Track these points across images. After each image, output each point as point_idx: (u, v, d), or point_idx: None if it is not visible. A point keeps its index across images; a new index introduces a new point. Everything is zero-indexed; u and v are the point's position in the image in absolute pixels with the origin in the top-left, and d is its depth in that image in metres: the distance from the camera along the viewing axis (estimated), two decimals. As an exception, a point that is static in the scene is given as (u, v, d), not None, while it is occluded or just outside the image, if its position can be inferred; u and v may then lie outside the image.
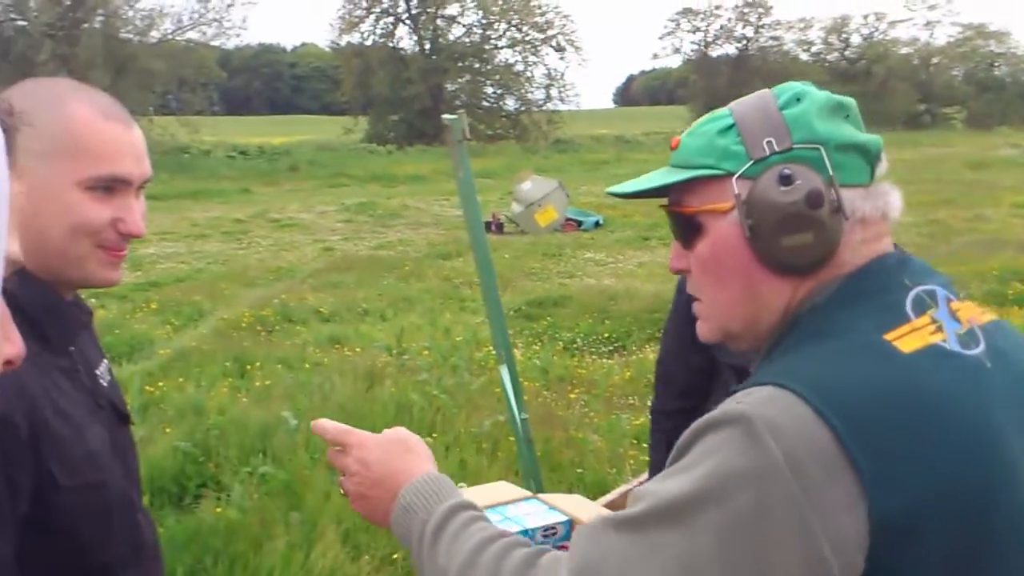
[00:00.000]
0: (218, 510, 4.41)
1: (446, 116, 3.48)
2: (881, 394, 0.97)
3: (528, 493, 2.49)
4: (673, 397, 2.59)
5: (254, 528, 4.26)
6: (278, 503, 4.56)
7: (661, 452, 2.58)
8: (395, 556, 4.15)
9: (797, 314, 1.11)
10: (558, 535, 2.28)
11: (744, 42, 57.80)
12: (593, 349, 8.51)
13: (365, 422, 5.59)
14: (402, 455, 1.32)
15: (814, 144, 1.08)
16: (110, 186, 1.39)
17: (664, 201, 1.20)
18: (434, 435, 5.57)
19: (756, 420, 0.94)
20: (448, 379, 6.78)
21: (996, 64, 63.68)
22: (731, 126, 1.11)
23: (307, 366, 7.41)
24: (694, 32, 58.64)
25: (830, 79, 49.35)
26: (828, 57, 61.15)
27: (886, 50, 60.46)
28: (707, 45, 58.47)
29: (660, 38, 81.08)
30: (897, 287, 1.08)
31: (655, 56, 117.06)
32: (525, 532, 2.21)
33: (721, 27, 57.86)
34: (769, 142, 1.08)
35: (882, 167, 1.13)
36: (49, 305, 1.43)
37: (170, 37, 38.05)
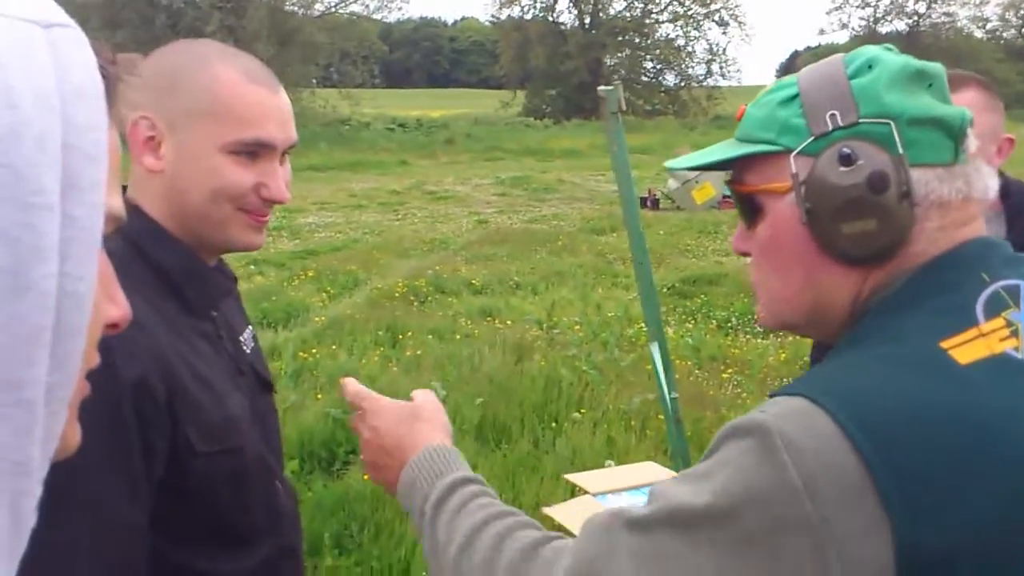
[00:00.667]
0: (366, 478, 4.42)
1: (602, 88, 3.36)
2: (921, 413, 0.84)
3: (674, 474, 2.37)
4: None
5: (400, 497, 4.25)
6: (425, 473, 4.55)
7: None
8: (539, 533, 4.07)
9: (866, 308, 0.99)
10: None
11: (915, 18, 55.33)
12: (748, 329, 8.22)
13: (513, 395, 5.55)
14: (412, 423, 1.27)
15: (884, 118, 0.95)
16: (254, 151, 1.35)
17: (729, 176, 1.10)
18: (582, 411, 5.47)
19: (775, 435, 0.84)
20: (598, 355, 6.66)
21: None
22: (794, 96, 1.00)
23: (457, 337, 7.43)
24: (863, 7, 56.53)
25: (1005, 57, 46.79)
26: (1004, 34, 57.90)
27: (1065, 27, 56.86)
28: (876, 21, 56.23)
29: (828, 13, 78.01)
30: (971, 282, 0.94)
31: (821, 32, 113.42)
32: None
33: (892, 2, 55.51)
34: (833, 115, 0.96)
35: (970, 143, 0.99)
36: (190, 268, 1.39)
37: (333, 10, 39.04)
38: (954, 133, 0.97)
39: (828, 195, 0.95)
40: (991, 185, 1.00)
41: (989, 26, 58.89)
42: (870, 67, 0.98)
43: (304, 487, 4.42)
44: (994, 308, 0.92)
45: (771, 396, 0.94)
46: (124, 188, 1.41)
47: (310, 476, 4.65)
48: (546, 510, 2.10)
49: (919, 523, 0.81)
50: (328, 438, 5.04)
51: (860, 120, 0.95)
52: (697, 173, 15.91)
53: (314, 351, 6.88)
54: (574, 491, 4.19)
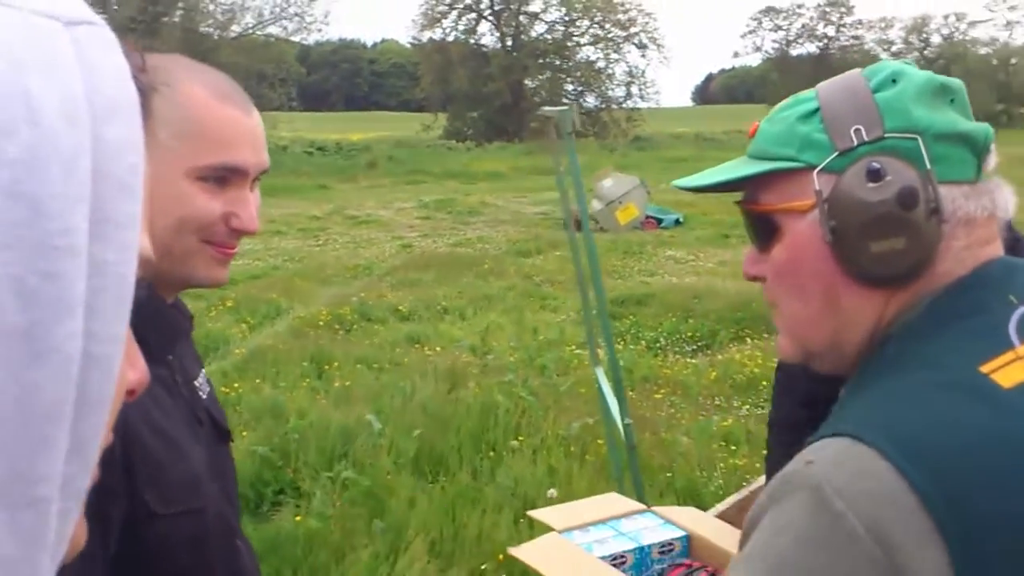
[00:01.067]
0: (298, 518, 4.23)
1: (548, 109, 3.29)
2: (972, 441, 0.81)
3: (641, 506, 2.26)
4: (795, 407, 2.33)
5: (336, 537, 4.07)
6: (360, 511, 4.37)
7: (782, 466, 2.33)
8: (484, 567, 3.92)
9: (887, 334, 0.95)
10: (675, 551, 2.04)
11: (825, 41, 57.29)
12: (677, 348, 8.23)
13: (449, 425, 5.40)
14: None
15: (910, 133, 0.92)
16: (223, 176, 1.22)
17: (739, 196, 1.05)
18: (520, 438, 5.35)
19: (826, 487, 0.80)
20: (534, 380, 6.54)
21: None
22: (815, 111, 0.96)
23: (387, 366, 7.25)
24: (776, 31, 58.45)
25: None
26: (908, 57, 60.03)
27: (965, 50, 60.14)
28: (788, 44, 58.12)
29: (741, 36, 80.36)
30: (1000, 304, 0.91)
31: (736, 54, 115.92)
32: (641, 549, 1.98)
33: (803, 26, 57.56)
34: (857, 130, 0.93)
35: (991, 160, 0.97)
36: (149, 307, 1.22)
37: (250, 32, 38.60)
38: (978, 149, 0.94)
39: (855, 212, 0.91)
40: (1012, 203, 0.96)
41: (894, 48, 61.30)
42: (894, 81, 0.94)
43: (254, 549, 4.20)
44: None
45: (809, 441, 0.88)
46: None
47: (238, 518, 4.42)
48: (512, 551, 1.97)
49: (978, 563, 0.77)
50: (255, 478, 4.82)
51: (886, 135, 0.91)
52: (622, 193, 16.05)
53: (236, 385, 6.62)
54: (528, 524, 4.07)
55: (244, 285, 11.41)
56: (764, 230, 1.00)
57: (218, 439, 1.39)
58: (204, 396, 1.39)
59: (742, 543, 0.90)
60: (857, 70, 0.99)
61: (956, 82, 0.96)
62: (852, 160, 0.91)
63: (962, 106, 0.95)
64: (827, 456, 0.82)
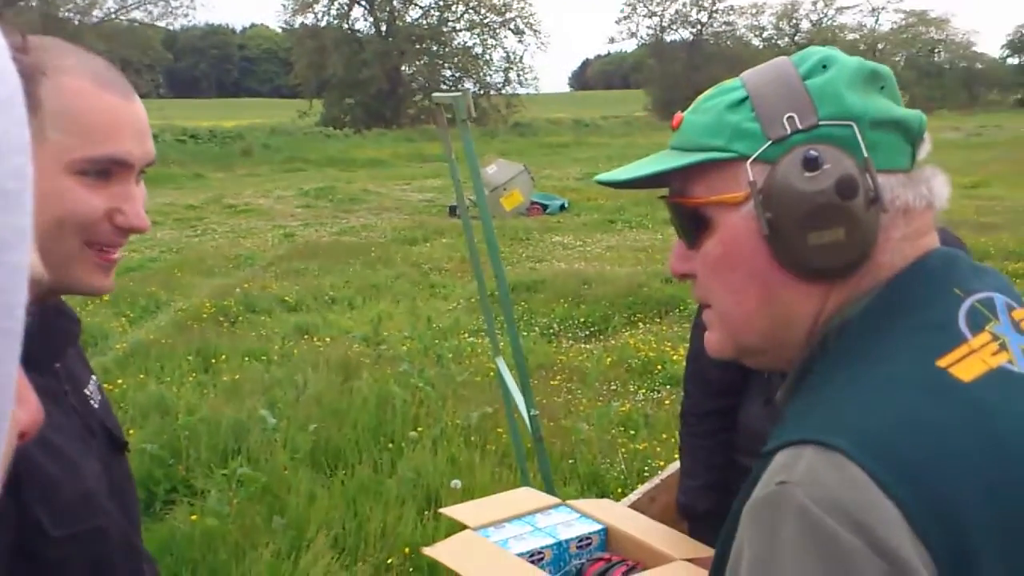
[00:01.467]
0: (194, 518, 4.09)
1: (440, 95, 3.24)
2: (946, 443, 0.79)
3: (555, 500, 2.25)
4: (708, 397, 2.36)
5: (235, 536, 3.96)
6: (258, 508, 4.26)
7: (694, 457, 2.37)
8: (390, 561, 3.88)
9: (827, 330, 0.92)
10: (593, 545, 2.05)
11: (699, 27, 58.43)
12: (570, 334, 8.29)
13: (345, 418, 5.31)
14: None
15: (845, 120, 0.89)
16: (106, 170, 1.12)
17: (664, 191, 1.01)
18: (419, 429, 5.30)
19: (811, 507, 0.76)
20: (430, 369, 6.49)
21: (936, 50, 66.02)
22: (743, 99, 0.92)
23: (276, 359, 7.09)
24: (650, 16, 59.32)
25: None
26: (779, 42, 62.07)
27: (834, 36, 62.16)
28: (663, 29, 59.03)
29: (617, 22, 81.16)
30: (946, 297, 0.89)
31: (611, 40, 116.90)
32: (559, 544, 1.97)
33: (676, 12, 58.60)
34: (790, 118, 0.89)
35: (925, 148, 0.95)
36: (33, 312, 1.13)
37: (113, 17, 37.18)
38: (912, 136, 0.92)
39: (792, 203, 0.87)
40: (946, 192, 0.95)
41: (765, 34, 63.09)
42: (824, 67, 0.91)
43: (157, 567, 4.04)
44: (976, 323, 0.87)
45: (767, 451, 0.84)
46: None
47: (129, 520, 4.25)
48: (427, 551, 1.92)
49: (963, 567, 0.75)
50: (145, 476, 4.65)
51: (820, 123, 0.88)
52: (506, 180, 16.07)
53: (120, 381, 6.37)
54: (434, 516, 4.03)
55: (121, 278, 10.95)
56: (694, 225, 0.96)
57: (113, 450, 1.31)
58: (96, 405, 1.30)
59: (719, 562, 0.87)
60: (784, 57, 0.96)
61: (885, 69, 0.94)
62: (786, 149, 0.88)
63: (892, 93, 0.94)
64: (801, 471, 0.78)
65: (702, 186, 0.94)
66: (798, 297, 0.92)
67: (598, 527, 2.05)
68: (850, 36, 63.76)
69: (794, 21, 63.66)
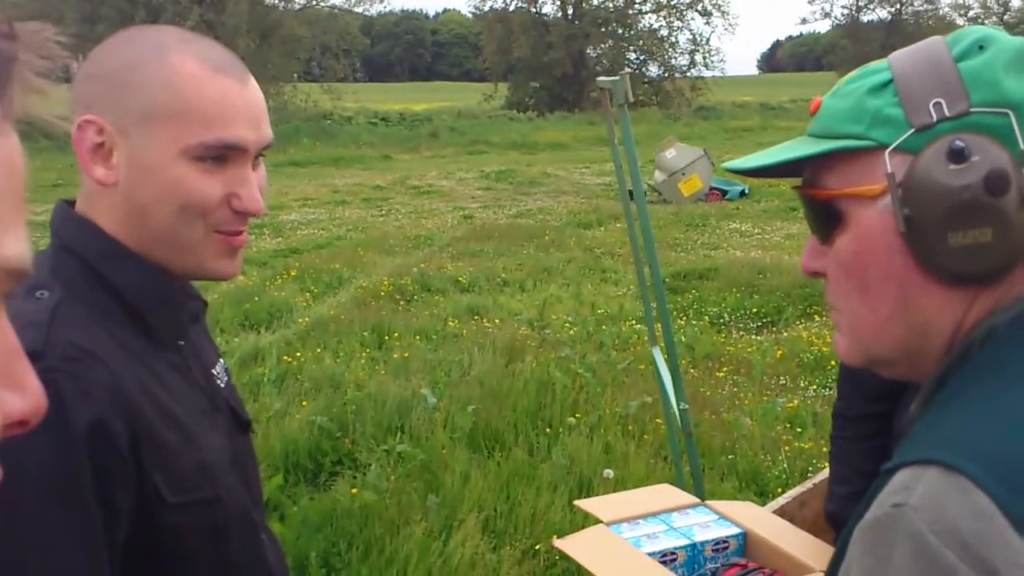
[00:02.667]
0: (354, 491, 4.23)
1: (603, 79, 3.17)
2: None
3: (694, 499, 2.18)
4: (862, 400, 2.22)
5: (391, 512, 4.06)
6: (415, 485, 4.36)
7: (845, 463, 2.24)
8: (537, 547, 3.89)
9: (970, 340, 0.82)
10: (730, 549, 1.97)
11: (897, 6, 55.53)
12: (741, 325, 8.07)
13: (506, 400, 5.37)
14: None
15: (1001, 108, 0.79)
16: (222, 155, 1.13)
17: (798, 181, 0.93)
18: (576, 415, 5.29)
19: (929, 536, 0.68)
20: (592, 355, 6.47)
21: None
22: (887, 82, 0.84)
23: (445, 338, 7.23)
24: (846, -5, 56.64)
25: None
26: (986, 22, 58.10)
27: (1049, 14, 57.38)
28: (859, 9, 56.48)
29: (810, 2, 78.76)
30: None
31: (803, 20, 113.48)
32: (693, 546, 1.91)
33: (873, -11, 55.67)
34: (937, 104, 0.80)
35: None
36: (156, 291, 1.18)
37: (314, 3, 38.69)
38: None
39: (934, 198, 0.79)
40: None
41: (971, 13, 59.22)
42: (981, 47, 0.82)
43: (289, 501, 4.22)
44: None
45: (886, 469, 0.77)
46: (72, 202, 1.20)
47: (295, 489, 4.45)
48: (557, 543, 1.91)
49: None
50: (314, 448, 4.85)
51: (972, 109, 0.79)
52: (685, 164, 15.79)
53: (298, 354, 6.66)
54: (578, 514, 4.02)
55: (308, 255, 11.50)
56: (826, 218, 0.88)
57: (238, 430, 1.34)
58: (222, 385, 1.33)
59: None
60: (938, 37, 0.87)
61: None
62: (931, 138, 0.80)
63: None
64: (919, 496, 0.71)
65: (836, 176, 0.87)
66: (937, 303, 0.83)
67: (736, 531, 1.98)
68: (1068, 14, 59.18)
69: (1003, -1, 59.56)
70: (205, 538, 1.17)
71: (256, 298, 8.60)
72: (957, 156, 0.78)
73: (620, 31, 46.08)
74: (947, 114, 0.80)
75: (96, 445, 1.01)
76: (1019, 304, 0.81)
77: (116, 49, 1.15)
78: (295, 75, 37.34)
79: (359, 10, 42.77)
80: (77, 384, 1.00)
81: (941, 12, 57.42)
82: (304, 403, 5.50)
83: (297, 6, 37.90)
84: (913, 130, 0.81)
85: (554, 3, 46.87)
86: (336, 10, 39.78)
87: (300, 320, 7.93)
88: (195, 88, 1.11)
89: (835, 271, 0.89)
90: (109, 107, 1.12)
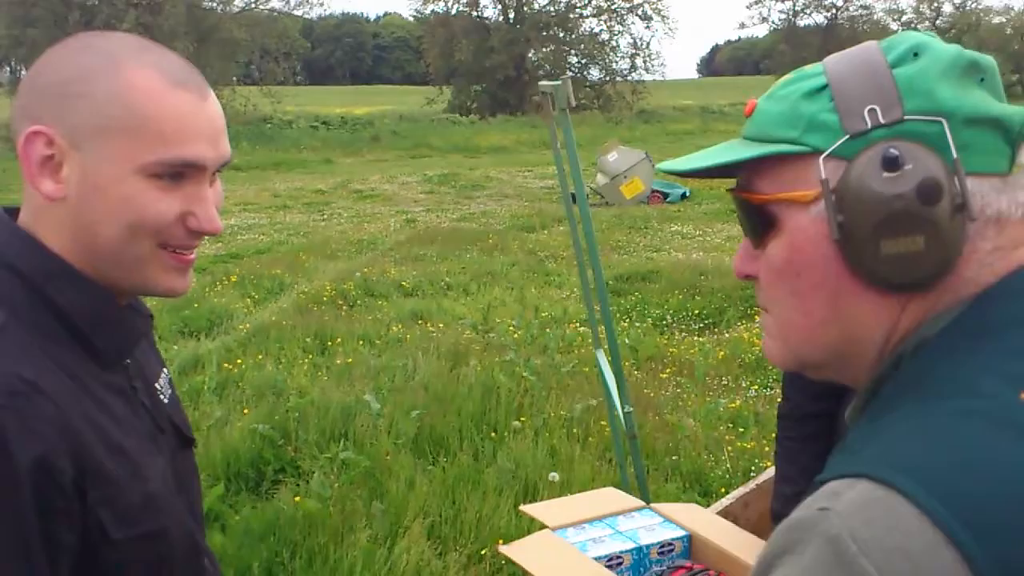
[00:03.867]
0: (297, 499, 4.18)
1: (545, 83, 3.16)
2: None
3: (639, 502, 2.18)
4: (807, 399, 2.24)
5: (335, 519, 4.02)
6: (360, 492, 4.32)
7: (791, 462, 2.26)
8: (483, 552, 3.87)
9: (901, 350, 0.83)
10: (676, 551, 1.97)
11: (833, 11, 56.57)
12: (683, 326, 8.14)
13: (450, 405, 5.34)
14: None
15: (934, 116, 0.79)
16: (179, 172, 1.10)
17: (732, 183, 0.92)
18: (521, 419, 5.29)
19: (848, 541, 0.67)
20: (536, 359, 6.47)
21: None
22: (822, 87, 0.84)
23: (389, 343, 7.19)
24: (782, 0, 57.53)
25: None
26: (919, 26, 59.51)
27: (978, 19, 58.91)
28: (795, 14, 57.44)
29: (747, 7, 79.74)
30: None
31: (742, 25, 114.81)
32: (639, 549, 1.91)
33: (811, -5, 56.63)
34: (872, 111, 0.80)
35: None
36: (99, 311, 1.14)
37: (253, 6, 38.33)
38: (1012, 137, 0.81)
39: (867, 206, 0.78)
40: None
41: (904, 18, 60.53)
42: (916, 55, 0.82)
43: (231, 511, 4.16)
44: None
45: (820, 479, 0.75)
46: (14, 211, 1.16)
47: (236, 499, 4.38)
48: (503, 549, 1.90)
49: None
50: (256, 456, 4.78)
51: (906, 117, 0.79)
52: (627, 167, 15.90)
53: (239, 361, 6.57)
54: (524, 518, 4.01)
55: (249, 260, 11.36)
56: (760, 223, 0.88)
57: (180, 446, 1.31)
58: (165, 399, 1.30)
59: None
60: (872, 42, 0.87)
61: (987, 59, 0.84)
62: (865, 145, 0.80)
63: (993, 87, 0.83)
64: (847, 502, 0.69)
65: (770, 181, 0.86)
66: (869, 310, 0.83)
67: (682, 533, 1.98)
68: (996, 20, 60.74)
69: (935, 4, 60.86)
70: (151, 571, 1.14)
71: (196, 304, 8.46)
72: (891, 164, 0.78)
73: (561, 35, 46.32)
74: (881, 121, 0.80)
75: (40, 483, 0.98)
76: (949, 314, 0.81)
77: (66, 58, 1.10)
78: (234, 79, 36.99)
79: (299, 13, 42.58)
80: (22, 421, 0.97)
81: (876, 17, 58.69)
82: (245, 411, 5.43)
83: (235, 9, 37.54)
84: (847, 136, 0.81)
85: (495, 7, 46.93)
86: (275, 13, 39.49)
87: (241, 326, 7.83)
88: (153, 103, 1.08)
89: (767, 275, 0.89)
90: (59, 119, 1.07)
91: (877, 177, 0.78)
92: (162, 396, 1.29)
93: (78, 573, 1.05)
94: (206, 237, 1.18)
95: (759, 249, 0.89)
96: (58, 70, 1.09)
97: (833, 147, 0.81)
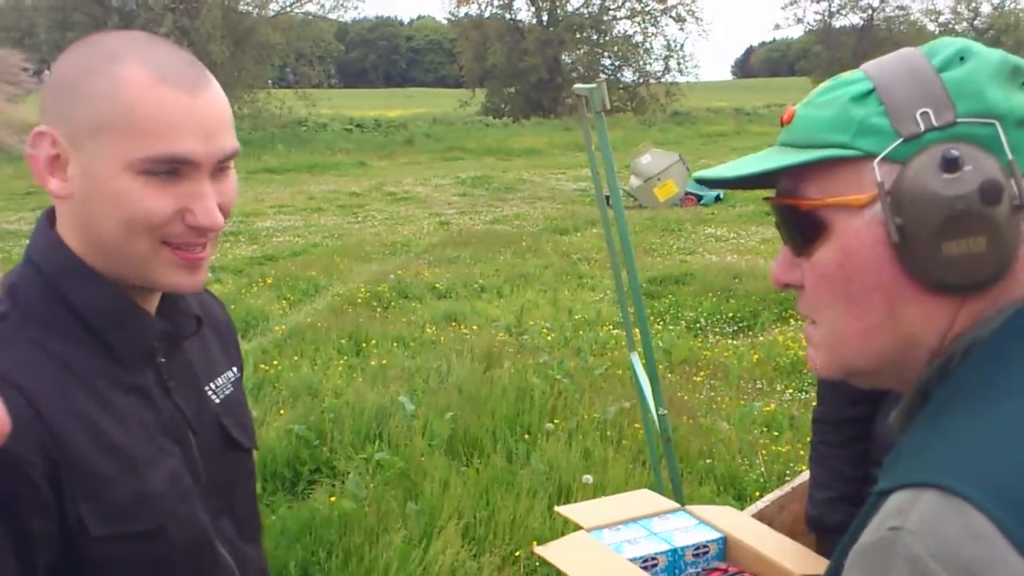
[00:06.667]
0: (332, 499, 4.22)
1: (579, 86, 3.17)
2: None
3: (674, 504, 2.19)
4: (843, 403, 2.23)
5: (370, 520, 4.05)
6: (394, 492, 4.35)
7: (825, 467, 2.25)
8: (518, 554, 3.89)
9: (951, 353, 0.82)
10: (711, 554, 1.97)
11: (869, 12, 56.01)
12: (717, 329, 8.11)
13: (484, 407, 5.36)
14: None
15: (987, 118, 0.79)
16: (173, 169, 1.09)
17: (770, 192, 0.92)
18: (555, 421, 5.29)
19: (927, 559, 0.67)
20: (570, 361, 6.47)
21: None
22: (868, 92, 0.83)
23: (423, 345, 7.22)
24: (818, 1, 57.11)
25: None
26: (956, 27, 58.76)
27: (1017, 20, 57.99)
28: (831, 15, 56.89)
29: (782, 8, 79.44)
30: None
31: (776, 27, 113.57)
32: (673, 551, 1.91)
33: (846, -4, 56.06)
34: (924, 114, 0.80)
35: None
36: (114, 310, 1.15)
37: (288, 10, 38.60)
38: None
39: (927, 208, 0.78)
40: None
41: (942, 19, 59.75)
42: (962, 59, 0.82)
43: (267, 511, 4.20)
44: None
45: (880, 491, 0.76)
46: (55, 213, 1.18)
47: (273, 498, 4.42)
48: (538, 550, 1.90)
49: None
50: (292, 456, 4.83)
51: (959, 120, 0.79)
52: (661, 170, 15.84)
53: (275, 362, 6.63)
54: (557, 520, 4.02)
55: (284, 262, 11.45)
56: (806, 230, 0.86)
57: (226, 448, 1.30)
58: (217, 400, 1.30)
59: None
60: (911, 48, 0.87)
61: None
62: (918, 148, 0.80)
63: None
64: (917, 519, 0.70)
65: (818, 186, 0.85)
66: (923, 313, 0.83)
67: (717, 535, 1.98)
68: (1035, 21, 59.84)
69: (973, 4, 59.99)
70: (144, 571, 1.14)
71: (232, 306, 8.53)
72: (951, 165, 0.77)
73: (595, 37, 46.20)
74: (934, 124, 0.80)
75: (3, 474, 1.00)
76: (1000, 315, 0.81)
77: (72, 58, 1.12)
78: (269, 82, 37.28)
79: (333, 16, 42.79)
80: None
81: (912, 17, 57.98)
82: (282, 411, 5.48)
83: (271, 12, 37.80)
84: (901, 140, 0.80)
85: (529, 9, 46.97)
86: (310, 16, 39.73)
87: (276, 328, 7.90)
88: (139, 100, 1.07)
89: (815, 282, 0.87)
90: (62, 119, 1.10)
91: (937, 179, 0.78)
92: (214, 397, 1.29)
93: (65, 566, 1.07)
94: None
95: (803, 257, 0.88)
96: (63, 70, 1.11)
97: (888, 150, 0.81)
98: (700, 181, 0.97)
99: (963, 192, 0.77)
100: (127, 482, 1.11)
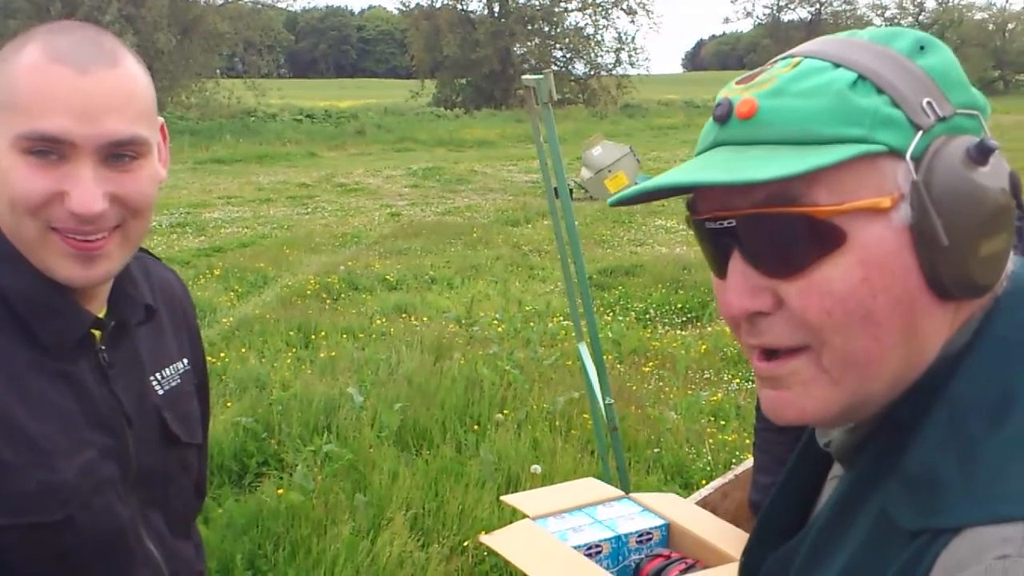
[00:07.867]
0: (280, 492, 4.19)
1: (528, 76, 3.18)
2: None
3: (618, 492, 2.21)
4: None
5: (318, 512, 4.03)
6: (343, 484, 4.33)
7: (768, 453, 2.29)
8: (466, 544, 3.89)
9: (935, 363, 0.74)
10: (654, 540, 2.00)
11: (817, 6, 56.74)
12: (666, 320, 8.18)
13: (434, 398, 5.36)
14: None
15: (973, 110, 0.74)
16: (49, 149, 1.06)
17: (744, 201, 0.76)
18: (504, 412, 5.31)
19: None
20: (519, 352, 6.49)
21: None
22: (856, 80, 0.71)
23: (373, 337, 7.19)
24: (767, -5, 57.70)
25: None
26: (902, 22, 59.81)
27: (960, 15, 59.24)
28: (780, 9, 57.52)
29: (732, 1, 79.62)
30: None
31: (726, 20, 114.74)
32: (617, 538, 1.93)
33: (794, -10, 56.84)
34: (929, 104, 0.71)
35: None
36: (35, 297, 1.12)
37: (237, -1, 38.10)
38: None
39: (970, 204, 0.70)
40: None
41: (888, 14, 60.81)
42: (922, 48, 0.74)
43: (214, 504, 4.16)
44: None
45: (935, 530, 0.67)
46: None
47: (220, 491, 4.38)
48: (484, 539, 1.91)
49: None
50: (239, 449, 4.79)
51: (957, 111, 0.72)
52: (612, 162, 15.90)
53: (223, 355, 6.56)
54: (505, 510, 4.03)
55: (232, 253, 11.32)
56: (808, 242, 0.71)
57: (163, 441, 1.27)
58: (161, 391, 1.27)
59: None
60: (850, 33, 0.77)
61: None
62: (928, 142, 0.71)
63: None
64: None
65: (829, 190, 0.70)
66: (934, 323, 0.73)
67: (660, 522, 2.01)
68: (978, 15, 61.22)
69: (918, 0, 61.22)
70: (48, 562, 1.13)
71: (179, 298, 8.42)
72: (984, 156, 0.70)
73: (546, 29, 46.21)
74: (940, 115, 0.72)
75: None
76: (974, 321, 0.75)
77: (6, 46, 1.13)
78: (217, 71, 36.75)
79: (282, 5, 42.37)
80: None
81: (859, 12, 58.93)
82: (229, 404, 5.43)
83: (219, 1, 37.27)
84: (921, 132, 0.70)
85: (480, 0, 46.86)
86: (259, 5, 39.22)
87: (224, 320, 7.81)
88: (23, 77, 1.06)
89: (819, 304, 0.72)
90: None
91: (974, 171, 0.70)
92: (158, 387, 1.27)
93: None
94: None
95: (793, 276, 0.72)
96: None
97: (914, 144, 0.70)
98: (658, 193, 0.81)
99: (1002, 185, 0.71)
100: (33, 472, 1.09)
